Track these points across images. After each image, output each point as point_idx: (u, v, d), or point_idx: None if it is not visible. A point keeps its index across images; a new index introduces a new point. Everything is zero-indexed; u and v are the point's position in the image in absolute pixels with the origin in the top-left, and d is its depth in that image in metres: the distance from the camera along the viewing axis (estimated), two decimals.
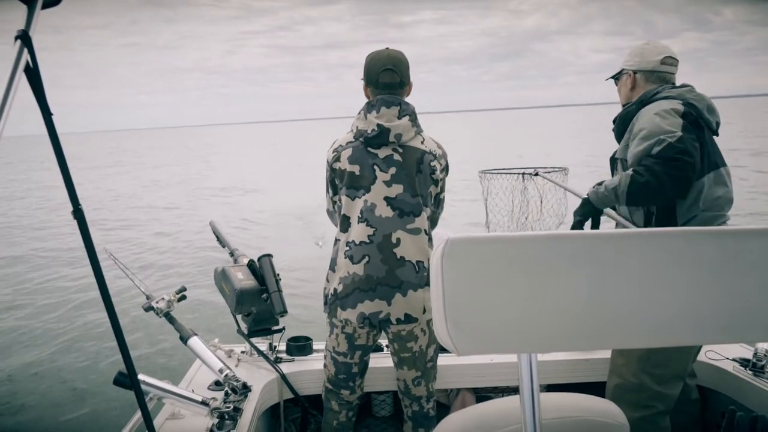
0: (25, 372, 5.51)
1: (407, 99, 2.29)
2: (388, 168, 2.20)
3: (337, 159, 2.25)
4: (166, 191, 19.96)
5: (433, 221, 2.38)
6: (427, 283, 2.08)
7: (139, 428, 1.75)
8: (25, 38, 0.96)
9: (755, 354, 2.30)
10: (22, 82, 0.97)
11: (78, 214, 1.13)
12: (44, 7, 1.00)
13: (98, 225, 12.86)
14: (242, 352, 2.49)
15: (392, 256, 2.16)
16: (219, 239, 2.59)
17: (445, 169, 2.32)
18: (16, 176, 29.17)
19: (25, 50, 0.96)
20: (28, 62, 0.98)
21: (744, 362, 2.29)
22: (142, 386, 1.78)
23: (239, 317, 2.29)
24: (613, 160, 2.32)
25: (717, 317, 0.80)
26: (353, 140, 2.25)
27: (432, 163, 2.24)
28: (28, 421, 4.63)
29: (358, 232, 2.19)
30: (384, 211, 2.19)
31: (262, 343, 2.48)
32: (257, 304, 2.19)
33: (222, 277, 2.25)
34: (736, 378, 2.24)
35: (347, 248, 2.21)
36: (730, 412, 1.93)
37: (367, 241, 2.18)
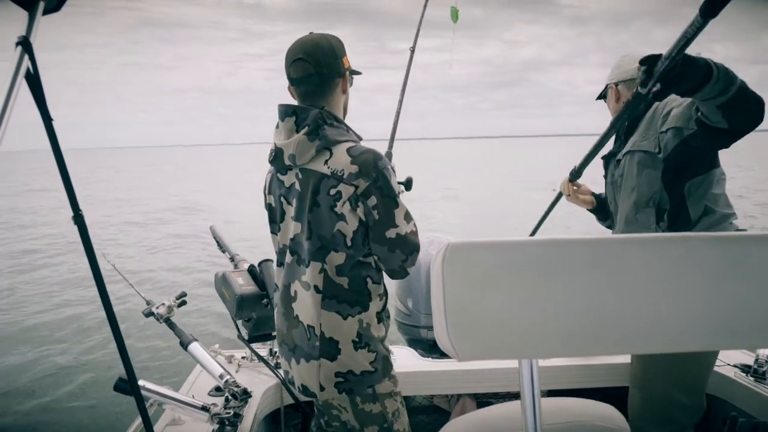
0: (24, 378, 5.50)
1: (335, 96, 1.76)
2: (292, 199, 1.76)
3: (264, 186, 1.90)
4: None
5: (390, 271, 1.75)
6: (322, 356, 1.70)
7: None
8: (25, 44, 0.96)
9: (756, 360, 2.29)
10: (23, 89, 0.97)
11: (78, 219, 1.13)
12: (45, 13, 1.01)
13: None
14: (243, 357, 2.49)
15: (290, 311, 1.78)
16: (219, 244, 2.59)
17: (368, 195, 1.65)
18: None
19: (26, 56, 0.97)
20: (28, 68, 0.98)
21: (745, 368, 2.29)
22: (143, 392, 1.78)
23: (240, 322, 2.29)
24: (608, 158, 2.30)
25: (719, 323, 0.80)
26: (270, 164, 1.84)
27: (332, 191, 1.65)
28: (28, 428, 4.62)
29: (276, 274, 1.89)
30: (287, 256, 1.80)
31: (262, 349, 2.47)
32: (258, 309, 2.19)
33: (222, 283, 2.25)
34: (738, 384, 2.23)
35: None
36: (731, 418, 1.92)
37: (278, 288, 1.86)
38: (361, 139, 1.78)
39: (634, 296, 0.78)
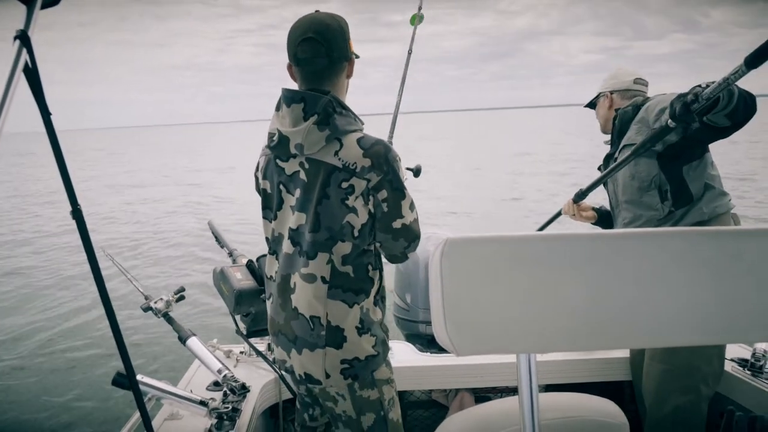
0: (22, 372, 5.51)
1: (340, 81, 1.72)
2: (295, 189, 1.71)
3: (257, 168, 1.84)
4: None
5: (391, 256, 1.81)
6: (328, 344, 1.69)
7: (138, 429, 1.75)
8: (24, 38, 0.96)
9: (753, 354, 2.30)
10: (21, 83, 0.97)
11: (77, 213, 1.13)
12: (43, 7, 1.00)
13: None
14: (241, 352, 2.49)
15: (288, 303, 1.75)
16: (217, 239, 2.59)
17: (380, 188, 1.65)
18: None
19: (24, 50, 0.96)
20: (27, 62, 0.98)
21: (742, 362, 2.29)
22: (141, 387, 1.78)
23: (238, 317, 2.29)
24: (607, 159, 2.43)
25: (715, 317, 0.80)
26: (266, 148, 1.78)
27: (344, 184, 1.63)
28: (26, 422, 4.63)
29: (268, 263, 1.84)
30: (286, 245, 1.75)
31: (260, 344, 2.47)
32: (256, 304, 2.19)
33: (221, 278, 2.25)
34: (735, 378, 2.24)
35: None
36: (728, 412, 1.92)
37: (273, 278, 1.81)
38: (363, 123, 1.75)
39: (631, 291, 0.79)
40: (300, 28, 1.65)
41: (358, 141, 1.64)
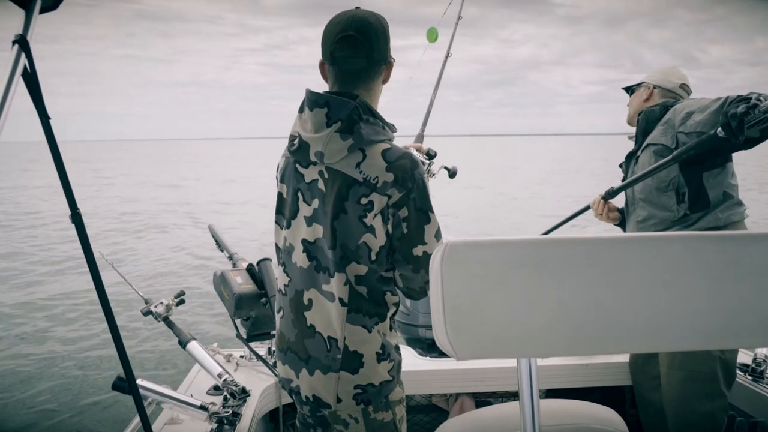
0: (23, 377, 5.50)
1: (376, 85, 1.59)
2: (312, 198, 1.56)
3: (277, 169, 1.71)
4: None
5: (410, 290, 1.62)
6: (344, 368, 1.55)
7: None
8: (22, 43, 0.96)
9: (754, 359, 2.29)
10: (20, 87, 0.97)
11: (76, 218, 1.13)
12: (42, 12, 1.00)
13: None
14: (241, 356, 2.49)
15: (302, 320, 1.60)
16: (218, 243, 2.59)
17: (401, 206, 1.50)
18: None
19: (23, 55, 0.96)
20: (26, 67, 0.98)
21: (743, 367, 2.29)
22: (141, 391, 1.78)
23: (238, 321, 2.29)
24: (629, 157, 2.40)
25: (716, 322, 0.80)
26: (287, 150, 1.65)
27: (363, 200, 1.49)
28: (27, 426, 4.62)
29: (279, 276, 1.71)
30: (300, 258, 1.60)
31: (261, 348, 2.47)
32: (256, 308, 2.19)
33: (221, 282, 2.25)
34: (736, 383, 2.23)
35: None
36: (729, 417, 1.92)
37: (283, 291, 1.68)
38: (395, 131, 1.62)
39: (632, 295, 0.78)
40: (340, 24, 1.51)
41: (383, 153, 1.49)
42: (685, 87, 2.37)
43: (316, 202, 1.55)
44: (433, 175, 2.03)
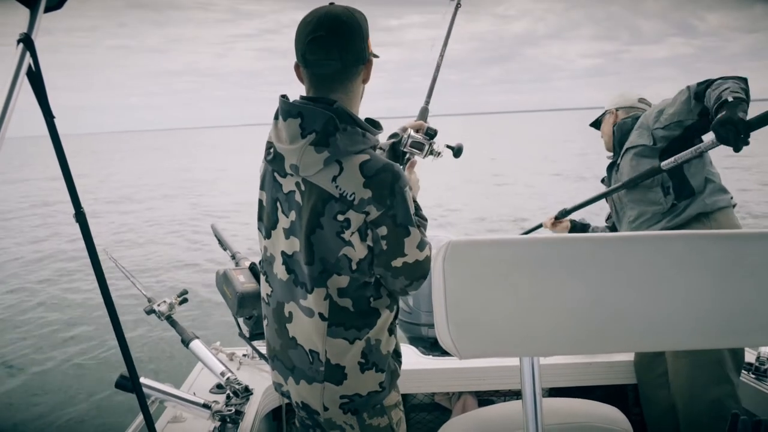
0: (26, 375, 5.51)
1: (355, 86, 1.50)
2: (290, 210, 1.50)
3: (260, 177, 1.64)
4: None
5: (392, 291, 1.57)
6: (327, 380, 1.52)
7: (141, 431, 1.75)
8: (27, 42, 0.96)
9: (758, 358, 2.28)
10: (25, 86, 0.97)
11: (80, 217, 1.13)
12: (47, 11, 1.01)
13: None
14: (244, 355, 2.49)
15: (285, 331, 1.58)
16: (220, 242, 2.59)
17: (380, 224, 1.44)
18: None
19: (28, 54, 0.97)
20: (30, 65, 0.98)
21: (747, 366, 2.28)
22: (144, 389, 1.78)
23: (241, 320, 2.29)
24: (610, 167, 2.53)
25: (719, 321, 0.80)
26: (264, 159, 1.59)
27: (339, 216, 1.42)
28: (30, 424, 4.63)
29: (262, 284, 1.68)
30: (280, 270, 1.56)
31: (263, 346, 2.47)
32: (259, 307, 2.18)
33: (224, 280, 2.25)
34: (739, 381, 2.23)
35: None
36: (732, 416, 1.91)
37: (266, 300, 1.65)
38: (381, 129, 1.55)
39: (635, 294, 0.78)
40: (310, 24, 1.42)
41: (362, 166, 1.41)
42: (643, 100, 2.56)
43: (293, 215, 1.50)
44: (439, 154, 1.95)
